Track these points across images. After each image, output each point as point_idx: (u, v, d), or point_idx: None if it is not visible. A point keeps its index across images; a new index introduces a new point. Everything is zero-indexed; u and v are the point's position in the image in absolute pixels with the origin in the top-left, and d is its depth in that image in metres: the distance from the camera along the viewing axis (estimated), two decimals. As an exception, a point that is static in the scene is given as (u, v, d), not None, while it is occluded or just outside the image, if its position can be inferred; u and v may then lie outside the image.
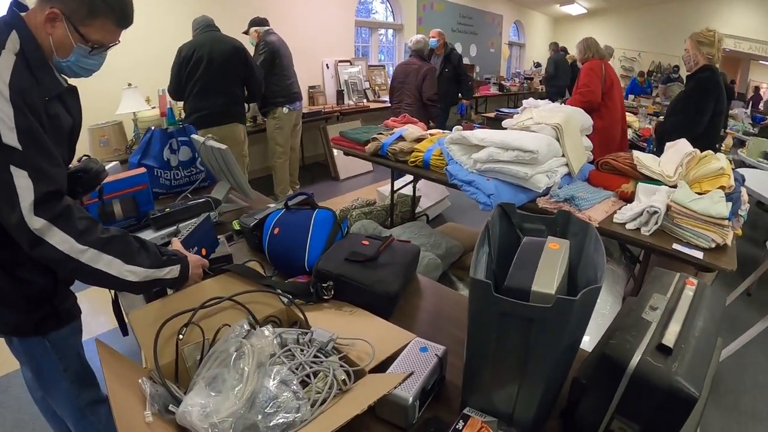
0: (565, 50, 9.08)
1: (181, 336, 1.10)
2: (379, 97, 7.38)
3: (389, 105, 6.78)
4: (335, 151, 6.12)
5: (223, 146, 2.08)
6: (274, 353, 1.04)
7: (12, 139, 1.05)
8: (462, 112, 6.80)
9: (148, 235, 1.92)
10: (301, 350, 1.07)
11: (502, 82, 10.24)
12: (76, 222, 1.12)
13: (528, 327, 0.83)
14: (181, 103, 4.03)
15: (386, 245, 1.50)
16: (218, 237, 1.78)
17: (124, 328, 1.54)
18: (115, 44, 1.31)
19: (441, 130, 3.40)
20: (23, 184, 1.06)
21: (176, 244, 1.41)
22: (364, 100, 7.01)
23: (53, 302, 1.38)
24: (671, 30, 11.52)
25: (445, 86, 5.85)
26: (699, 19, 11.02)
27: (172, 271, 1.26)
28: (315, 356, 1.05)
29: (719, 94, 3.21)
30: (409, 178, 4.19)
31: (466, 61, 9.93)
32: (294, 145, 5.20)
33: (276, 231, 1.63)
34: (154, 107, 4.52)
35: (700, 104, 3.21)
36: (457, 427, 0.94)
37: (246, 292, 1.25)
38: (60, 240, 1.09)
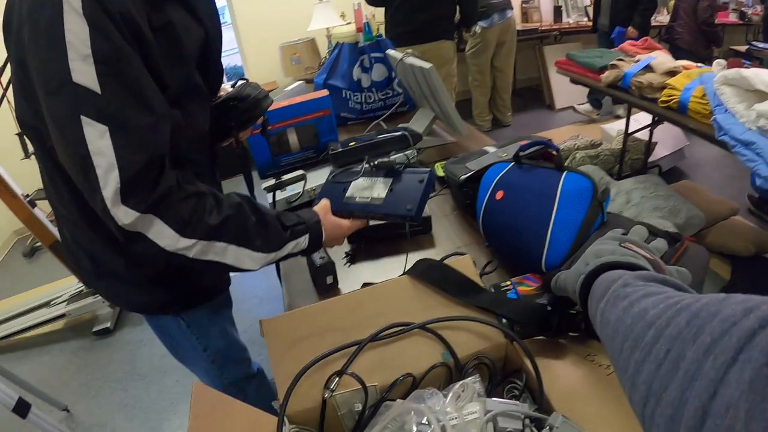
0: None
1: (330, 391, 0.69)
2: (602, 17, 6.27)
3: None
4: (551, 76, 5.34)
5: (427, 65, 1.62)
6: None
7: (87, 76, 0.68)
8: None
9: (324, 174, 1.56)
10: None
11: (743, 9, 8.21)
12: (180, 207, 0.79)
13: None
14: (379, 17, 3.59)
15: (678, 256, 0.90)
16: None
17: None
18: None
19: (698, 65, 2.58)
20: (102, 147, 0.70)
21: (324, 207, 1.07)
22: (585, 19, 5.95)
23: (188, 279, 1.08)
24: None
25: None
26: None
27: (298, 245, 0.97)
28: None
29: None
30: (645, 119, 3.38)
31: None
32: (503, 66, 4.64)
33: (499, 195, 1.10)
34: (349, 22, 4.19)
35: None
36: None
37: (446, 320, 0.77)
38: (158, 233, 0.78)
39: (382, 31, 3.56)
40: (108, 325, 2.80)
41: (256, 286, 2.92)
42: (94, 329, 2.79)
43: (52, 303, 3.00)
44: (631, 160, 3.60)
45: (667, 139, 3.79)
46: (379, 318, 0.79)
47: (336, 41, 3.95)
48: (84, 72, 0.68)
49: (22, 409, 1.69)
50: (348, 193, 1.15)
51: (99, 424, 2.25)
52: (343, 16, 4.18)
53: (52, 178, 0.90)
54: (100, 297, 2.80)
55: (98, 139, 0.70)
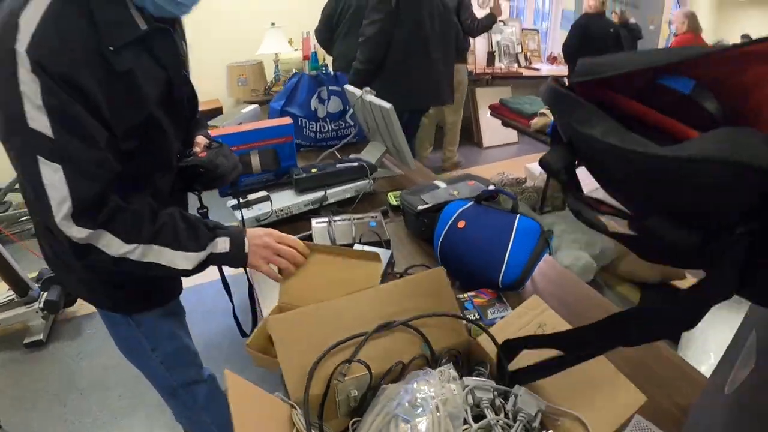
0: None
1: (342, 376, 0.83)
2: (531, 63, 6.74)
3: (542, 74, 6.24)
4: (481, 116, 5.72)
5: (387, 105, 1.81)
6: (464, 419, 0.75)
7: (41, 123, 0.82)
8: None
9: (286, 197, 1.70)
10: (500, 425, 0.75)
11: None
12: (124, 220, 0.96)
13: None
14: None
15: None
16: (374, 214, 1.53)
17: (241, 329, 1.39)
18: None
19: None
20: (55, 181, 0.86)
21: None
22: (515, 65, 6.43)
23: (141, 284, 1.21)
24: None
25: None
26: None
27: (217, 245, 1.06)
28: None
29: (583, 34, 4.62)
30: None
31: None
32: (454, 117, 4.85)
33: (461, 224, 1.33)
34: (297, 50, 4.33)
35: (569, 43, 4.71)
36: None
37: (431, 315, 0.93)
38: (106, 243, 0.95)
39: (328, 61, 3.68)
40: (40, 337, 2.70)
41: (205, 302, 2.93)
42: (26, 341, 2.69)
43: (-21, 312, 2.86)
44: (553, 197, 3.92)
45: (587, 177, 4.16)
46: (363, 318, 0.92)
47: (283, 66, 4.13)
48: (38, 119, 0.82)
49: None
50: None
51: (37, 437, 2.19)
52: (291, 42, 4.32)
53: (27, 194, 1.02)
54: (34, 307, 2.73)
55: (52, 174, 0.85)
